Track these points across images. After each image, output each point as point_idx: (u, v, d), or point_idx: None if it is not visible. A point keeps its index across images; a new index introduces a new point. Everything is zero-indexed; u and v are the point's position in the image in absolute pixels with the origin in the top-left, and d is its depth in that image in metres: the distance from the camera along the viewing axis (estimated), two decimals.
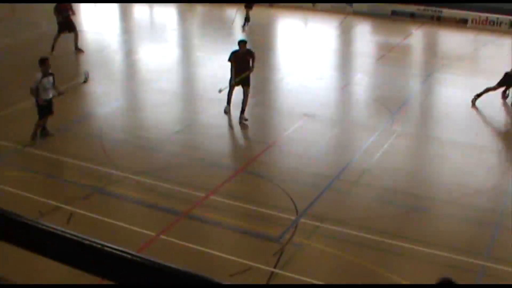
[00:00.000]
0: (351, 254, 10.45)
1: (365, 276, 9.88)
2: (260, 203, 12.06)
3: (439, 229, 11.46)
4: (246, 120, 15.97)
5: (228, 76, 15.99)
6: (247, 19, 28.57)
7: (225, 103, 16.15)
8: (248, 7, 28.45)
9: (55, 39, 22.20)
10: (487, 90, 18.62)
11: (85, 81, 14.39)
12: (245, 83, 15.96)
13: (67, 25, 22.32)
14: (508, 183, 13.62)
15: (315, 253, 10.49)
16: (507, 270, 10.07)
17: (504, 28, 31.90)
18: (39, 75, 14.00)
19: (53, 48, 21.94)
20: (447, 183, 13.51)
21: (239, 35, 27.72)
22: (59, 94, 14.39)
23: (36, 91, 13.99)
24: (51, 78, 14.18)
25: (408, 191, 13.06)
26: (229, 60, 15.92)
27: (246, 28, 28.54)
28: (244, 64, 15.82)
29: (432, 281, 9.85)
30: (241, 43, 15.95)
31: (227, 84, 16.02)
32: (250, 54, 15.89)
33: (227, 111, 16.19)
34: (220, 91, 15.95)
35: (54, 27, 22.37)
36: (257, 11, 30.45)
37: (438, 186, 13.52)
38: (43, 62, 14.12)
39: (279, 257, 10.12)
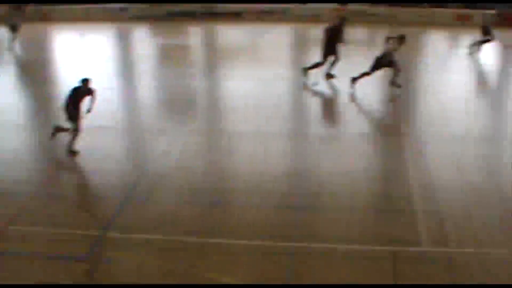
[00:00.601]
0: (164, 259, 10.43)
1: (185, 280, 9.90)
2: (62, 225, 11.62)
3: (245, 220, 11.76)
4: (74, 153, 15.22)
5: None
6: (14, 38, 27.31)
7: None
8: (13, 29, 27.18)
9: None
10: (363, 74, 19.52)
11: None
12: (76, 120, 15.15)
13: None
14: (301, 166, 14.42)
15: (128, 265, 10.32)
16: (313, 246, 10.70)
17: (277, 17, 33.51)
18: None
19: None
20: (245, 173, 13.99)
21: (10, 56, 26.60)
22: None
23: None
24: None
25: (209, 187, 13.29)
26: (69, 96, 14.89)
27: (14, 47, 27.34)
28: (81, 103, 14.96)
29: (254, 272, 10.13)
30: (85, 81, 14.99)
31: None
32: (90, 93, 15.04)
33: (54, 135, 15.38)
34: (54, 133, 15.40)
35: None
36: (29, 28, 29.33)
37: (236, 177, 13.94)
38: None
39: (92, 275, 9.91)
